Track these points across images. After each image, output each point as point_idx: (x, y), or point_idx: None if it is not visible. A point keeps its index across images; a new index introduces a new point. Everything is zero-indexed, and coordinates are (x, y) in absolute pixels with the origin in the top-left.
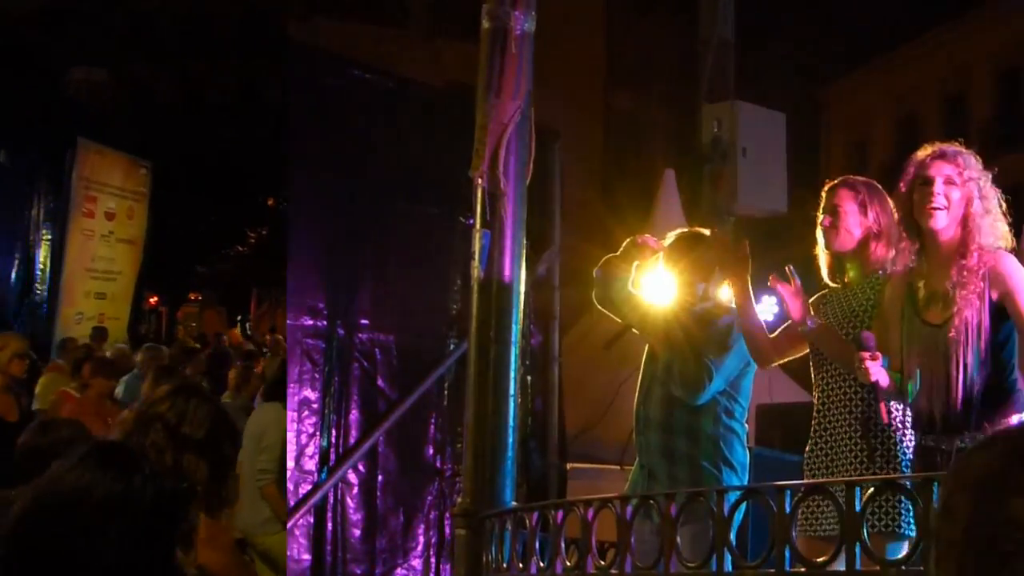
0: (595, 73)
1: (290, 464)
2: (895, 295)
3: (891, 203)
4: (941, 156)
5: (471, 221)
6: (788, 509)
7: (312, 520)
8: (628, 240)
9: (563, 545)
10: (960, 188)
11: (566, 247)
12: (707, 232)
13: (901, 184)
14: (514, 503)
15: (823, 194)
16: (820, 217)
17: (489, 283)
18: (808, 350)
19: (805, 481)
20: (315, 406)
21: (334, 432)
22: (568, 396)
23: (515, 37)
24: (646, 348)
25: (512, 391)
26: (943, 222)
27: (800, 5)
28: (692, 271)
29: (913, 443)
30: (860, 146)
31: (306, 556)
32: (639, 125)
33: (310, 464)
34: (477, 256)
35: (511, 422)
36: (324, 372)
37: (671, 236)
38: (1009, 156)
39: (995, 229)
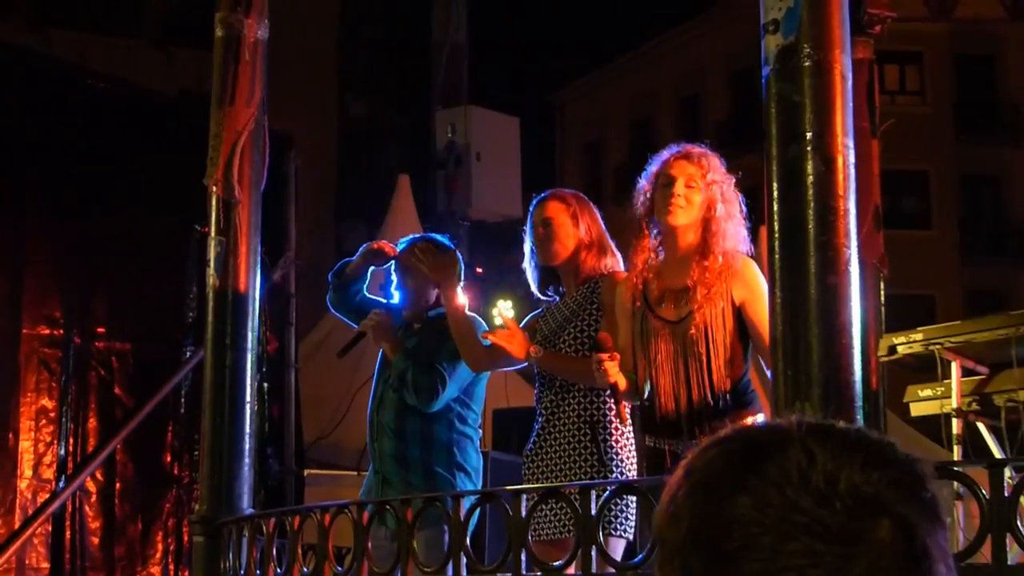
0: (329, 78)
1: (28, 473)
2: (627, 294)
3: (598, 213)
4: (686, 157)
5: (207, 229)
6: (524, 513)
7: (50, 528)
8: (364, 245)
9: (301, 551)
10: (702, 191)
11: (302, 253)
12: (440, 238)
13: (644, 182)
14: (252, 509)
15: (532, 208)
16: (529, 230)
17: (225, 290)
18: None
19: (541, 485)
20: (52, 415)
21: (72, 440)
22: (305, 402)
23: (248, 44)
24: (380, 354)
25: (248, 398)
26: (683, 221)
27: (535, 10)
28: (426, 277)
29: (645, 444)
30: (595, 149)
31: (45, 564)
32: (374, 130)
33: (48, 472)
34: (213, 263)
35: (247, 429)
36: (61, 381)
37: (405, 241)
38: (743, 158)
39: (737, 233)
